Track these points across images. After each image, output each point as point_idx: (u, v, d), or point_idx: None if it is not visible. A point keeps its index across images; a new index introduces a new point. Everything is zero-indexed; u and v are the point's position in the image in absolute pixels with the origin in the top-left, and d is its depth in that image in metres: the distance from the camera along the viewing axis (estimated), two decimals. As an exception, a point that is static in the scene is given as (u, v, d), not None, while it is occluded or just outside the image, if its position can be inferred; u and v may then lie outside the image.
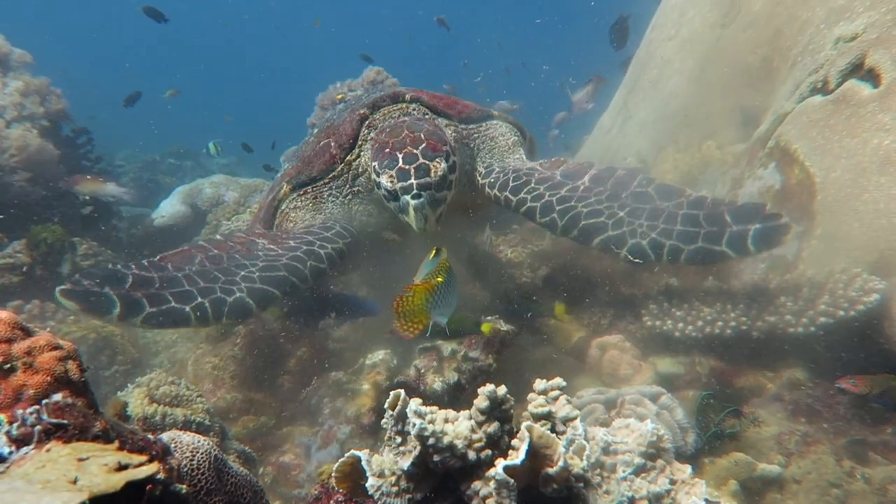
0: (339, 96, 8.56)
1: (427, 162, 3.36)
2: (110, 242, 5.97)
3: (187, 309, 2.77)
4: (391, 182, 3.35)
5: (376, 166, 3.51)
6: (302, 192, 4.10)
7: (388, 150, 3.50)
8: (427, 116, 4.10)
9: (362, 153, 4.01)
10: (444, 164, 3.41)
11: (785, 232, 2.97)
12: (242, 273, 3.15)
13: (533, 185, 3.71)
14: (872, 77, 3.59)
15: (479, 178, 4.17)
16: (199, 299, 2.84)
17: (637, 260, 3.14)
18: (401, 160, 3.38)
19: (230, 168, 14.93)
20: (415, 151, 3.41)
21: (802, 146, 3.88)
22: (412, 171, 3.33)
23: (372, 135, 3.94)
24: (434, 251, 2.50)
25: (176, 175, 14.04)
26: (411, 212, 3.31)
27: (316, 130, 4.73)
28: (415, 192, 3.29)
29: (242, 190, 8.51)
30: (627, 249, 3.14)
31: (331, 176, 4.06)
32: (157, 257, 3.20)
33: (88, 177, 6.19)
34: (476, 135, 4.33)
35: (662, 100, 5.60)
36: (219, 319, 2.88)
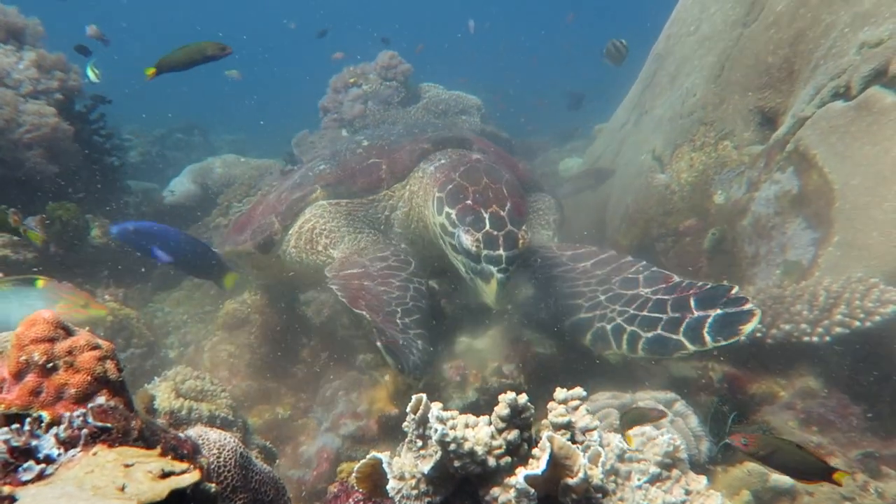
0: (353, 80, 8.52)
1: (515, 230, 3.14)
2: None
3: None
4: (476, 246, 3.12)
5: (454, 217, 3.24)
6: (335, 202, 3.95)
7: (469, 202, 3.24)
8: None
9: (409, 185, 3.89)
10: (528, 235, 3.22)
11: (747, 319, 2.61)
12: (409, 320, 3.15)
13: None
14: (897, 85, 3.55)
15: None
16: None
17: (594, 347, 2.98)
18: (487, 222, 3.14)
19: (238, 145, 14.90)
20: (502, 214, 3.17)
21: (822, 152, 3.85)
22: (501, 239, 3.10)
23: (431, 168, 3.80)
24: None
25: (184, 150, 13.98)
26: (494, 285, 3.11)
27: (364, 141, 4.43)
28: (503, 265, 3.08)
29: (253, 170, 8.47)
30: (591, 334, 2.99)
31: (371, 198, 3.93)
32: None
33: None
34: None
35: (680, 97, 5.54)
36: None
